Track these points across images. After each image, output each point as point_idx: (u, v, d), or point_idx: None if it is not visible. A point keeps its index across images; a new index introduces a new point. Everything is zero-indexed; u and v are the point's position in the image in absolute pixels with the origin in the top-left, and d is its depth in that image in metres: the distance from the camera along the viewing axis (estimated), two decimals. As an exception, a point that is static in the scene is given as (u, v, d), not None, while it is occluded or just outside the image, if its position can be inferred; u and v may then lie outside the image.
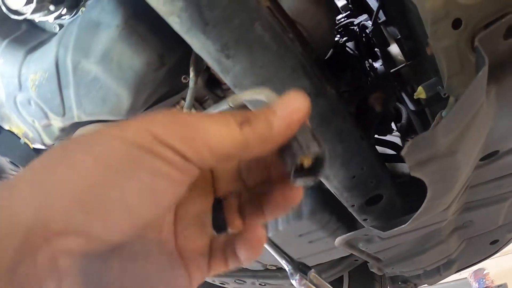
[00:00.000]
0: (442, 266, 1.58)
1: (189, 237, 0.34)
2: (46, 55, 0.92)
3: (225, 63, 0.64)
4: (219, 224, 0.34)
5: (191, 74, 0.78)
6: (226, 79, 0.67)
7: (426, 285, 1.71)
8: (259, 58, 0.63)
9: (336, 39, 1.39)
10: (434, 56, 0.77)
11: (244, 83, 0.66)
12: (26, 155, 1.33)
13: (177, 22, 0.60)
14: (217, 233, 0.34)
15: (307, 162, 0.29)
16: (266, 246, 0.73)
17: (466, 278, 4.23)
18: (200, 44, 0.61)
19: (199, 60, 0.84)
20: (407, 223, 0.78)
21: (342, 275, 1.80)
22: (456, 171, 0.58)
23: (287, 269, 0.70)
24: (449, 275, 1.65)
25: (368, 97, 0.86)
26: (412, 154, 0.49)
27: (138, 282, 0.30)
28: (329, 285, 0.66)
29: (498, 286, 3.96)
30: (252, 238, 0.33)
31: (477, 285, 4.11)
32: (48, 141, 1.09)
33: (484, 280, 4.09)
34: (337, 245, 0.95)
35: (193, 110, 0.90)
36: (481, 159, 0.75)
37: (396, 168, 1.29)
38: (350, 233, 0.90)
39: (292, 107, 0.29)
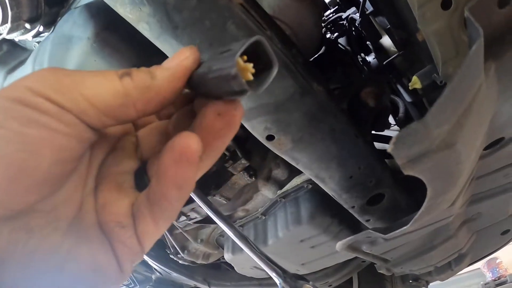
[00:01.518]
0: (453, 261, 1.53)
1: (110, 206, 0.31)
2: (24, 74, 0.89)
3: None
4: (142, 183, 0.32)
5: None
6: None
7: (438, 281, 1.66)
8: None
9: (328, 36, 1.35)
10: (426, 42, 0.72)
11: (224, 87, 0.62)
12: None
13: (146, 28, 0.56)
14: (139, 190, 0.31)
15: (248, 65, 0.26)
16: (254, 257, 0.69)
17: (479, 268, 4.16)
18: (172, 50, 0.57)
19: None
20: (408, 225, 0.73)
21: (352, 278, 1.76)
22: (457, 165, 0.53)
23: (277, 282, 0.66)
24: (461, 269, 1.59)
25: (360, 92, 0.81)
26: (401, 151, 0.44)
27: (38, 261, 0.27)
28: None
29: (512, 274, 3.88)
30: (178, 143, 0.27)
31: (491, 274, 4.04)
32: None
33: (497, 269, 4.01)
34: (339, 249, 0.90)
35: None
36: (485, 148, 0.70)
37: (396, 163, 1.24)
38: (350, 237, 0.85)
39: (177, 59, 0.29)
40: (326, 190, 0.83)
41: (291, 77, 0.62)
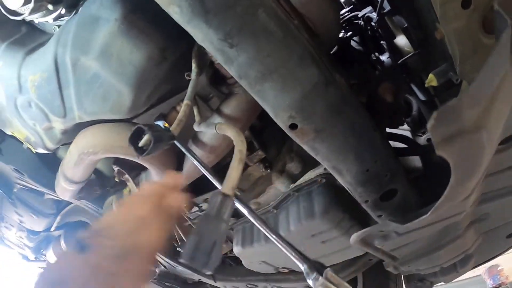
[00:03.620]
0: (459, 263, 1.53)
1: None
2: (44, 55, 0.89)
3: (229, 53, 0.61)
4: None
5: (193, 65, 0.75)
6: (231, 70, 0.63)
7: (442, 283, 1.66)
8: (264, 46, 0.60)
9: (341, 35, 1.36)
10: (444, 40, 0.73)
11: (249, 74, 0.62)
12: (29, 161, 1.31)
13: (177, 12, 0.57)
14: None
15: None
16: (278, 245, 0.69)
17: (480, 275, 4.15)
18: (202, 34, 0.58)
19: (202, 53, 0.81)
20: (428, 213, 0.74)
21: (357, 278, 1.76)
22: (482, 150, 0.53)
23: (302, 268, 0.66)
24: (466, 271, 1.59)
25: (378, 88, 0.82)
26: (439, 127, 0.45)
27: None
28: (347, 284, 0.61)
29: (513, 282, 3.88)
30: None
31: (491, 281, 4.03)
32: (50, 145, 1.06)
33: (498, 277, 4.01)
34: (352, 242, 0.91)
35: (195, 108, 0.86)
36: (500, 143, 0.71)
37: (408, 163, 1.25)
38: (366, 228, 0.86)
39: None
40: (342, 183, 0.83)
41: (315, 66, 0.63)
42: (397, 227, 0.87)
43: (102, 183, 1.35)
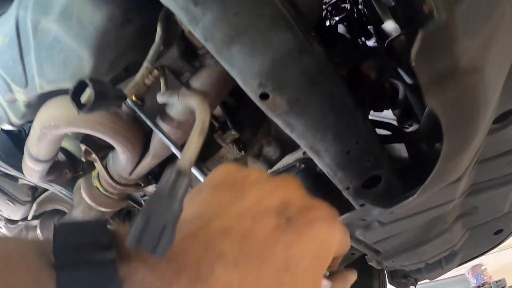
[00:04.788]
0: (444, 259, 1.49)
1: None
2: (7, 19, 0.83)
3: (194, 12, 0.54)
4: None
5: (158, 29, 0.69)
6: (196, 32, 0.57)
7: (427, 280, 1.62)
8: (232, 4, 0.53)
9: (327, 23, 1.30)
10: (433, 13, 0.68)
11: (216, 36, 0.56)
12: (0, 143, 1.24)
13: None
14: None
15: None
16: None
17: (463, 274, 4.16)
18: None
19: (172, 22, 0.74)
20: (416, 194, 0.68)
21: (339, 272, 1.70)
22: (479, 104, 0.46)
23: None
24: (452, 269, 1.56)
25: (361, 65, 0.76)
26: (427, 59, 0.38)
27: None
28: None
29: (496, 281, 3.89)
30: None
31: (475, 281, 4.04)
32: (15, 119, 1.00)
33: (482, 276, 4.02)
34: (331, 231, 0.84)
35: (162, 80, 0.79)
36: (494, 122, 0.66)
37: (393, 153, 1.19)
38: (346, 214, 0.79)
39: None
40: (321, 167, 0.77)
41: (289, 30, 0.56)
42: (380, 214, 0.81)
43: (73, 166, 1.28)
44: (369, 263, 1.20)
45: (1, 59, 0.86)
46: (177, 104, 0.75)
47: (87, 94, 0.55)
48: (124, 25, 0.69)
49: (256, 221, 0.30)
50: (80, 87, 0.56)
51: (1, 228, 2.20)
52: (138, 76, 0.66)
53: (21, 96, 0.93)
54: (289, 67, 0.57)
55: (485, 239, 1.49)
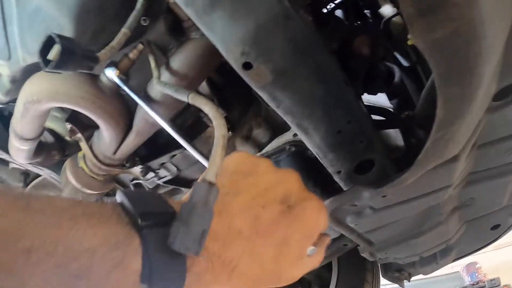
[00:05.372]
0: (439, 253, 1.45)
1: None
2: None
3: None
4: None
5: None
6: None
7: (421, 274, 1.59)
8: (213, -35, 0.50)
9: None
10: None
11: (196, 0, 0.52)
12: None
13: None
14: None
15: None
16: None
17: (458, 272, 4.15)
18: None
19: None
20: (409, 171, 0.64)
21: (332, 266, 1.67)
22: (477, 58, 0.41)
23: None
24: (447, 263, 1.52)
25: (353, 41, 0.72)
26: None
27: None
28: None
29: (491, 280, 3.87)
30: None
31: (469, 278, 4.02)
32: (0, 96, 0.97)
33: (476, 274, 4.00)
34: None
35: (151, 58, 0.76)
36: (495, 98, 0.62)
37: (390, 141, 1.16)
38: (335, 196, 0.76)
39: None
40: (309, 147, 0.73)
41: (274, -6, 0.53)
42: (372, 199, 0.77)
43: (61, 148, 1.25)
44: (362, 254, 1.17)
45: (-15, 30, 0.83)
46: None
47: (55, 50, 0.52)
48: (106, -8, 0.66)
49: (265, 208, 0.40)
50: (48, 43, 0.53)
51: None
52: (115, 41, 0.63)
53: (5, 70, 0.90)
54: (273, 33, 0.53)
55: (482, 234, 1.46)
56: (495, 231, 1.47)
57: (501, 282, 3.66)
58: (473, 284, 3.88)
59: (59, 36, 0.52)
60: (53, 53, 0.53)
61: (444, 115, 0.51)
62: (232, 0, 0.52)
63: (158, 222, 0.32)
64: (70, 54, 0.53)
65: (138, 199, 0.34)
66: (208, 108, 0.47)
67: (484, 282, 3.83)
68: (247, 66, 0.55)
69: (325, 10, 1.25)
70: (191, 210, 0.33)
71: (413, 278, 1.60)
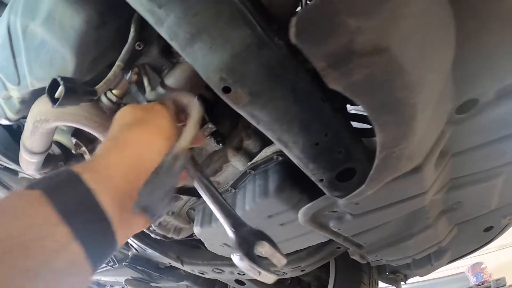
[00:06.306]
0: (433, 255, 1.49)
1: None
2: (0, 24, 0.90)
3: (158, 13, 0.58)
4: None
5: (132, 29, 0.73)
6: (162, 32, 0.60)
7: (417, 276, 1.63)
8: (192, 5, 0.57)
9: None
10: None
11: (179, 34, 0.59)
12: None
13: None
14: None
15: None
16: (208, 201, 0.67)
17: (463, 272, 4.12)
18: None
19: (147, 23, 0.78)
20: (364, 184, 0.70)
21: (329, 267, 1.72)
22: (403, 90, 0.43)
23: (230, 234, 0.63)
24: (442, 265, 1.55)
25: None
26: (313, 40, 0.36)
27: None
28: (281, 254, 0.58)
29: (496, 280, 3.83)
30: None
31: (474, 279, 3.99)
32: (11, 115, 1.06)
33: (482, 274, 3.96)
34: (301, 221, 0.87)
35: (145, 78, 0.83)
36: (458, 112, 0.66)
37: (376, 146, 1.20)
38: (311, 203, 0.82)
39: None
40: (291, 158, 0.79)
41: (248, 27, 0.59)
42: (347, 206, 0.82)
43: (67, 159, 1.33)
44: (352, 257, 1.22)
45: (-4, 60, 0.92)
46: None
47: (59, 90, 0.61)
48: (101, 26, 0.74)
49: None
50: (54, 84, 0.62)
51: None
52: (110, 74, 0.71)
53: (15, 93, 1.00)
54: (248, 61, 0.60)
55: (475, 236, 1.49)
56: (489, 233, 1.50)
57: (507, 282, 3.63)
58: (478, 285, 3.85)
59: (62, 78, 0.60)
60: (58, 93, 0.61)
61: (384, 137, 0.55)
62: (210, 33, 0.58)
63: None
64: (73, 92, 0.61)
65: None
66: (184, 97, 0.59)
67: (489, 282, 3.80)
68: (226, 90, 0.62)
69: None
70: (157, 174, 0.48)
71: (417, 280, 1.62)
